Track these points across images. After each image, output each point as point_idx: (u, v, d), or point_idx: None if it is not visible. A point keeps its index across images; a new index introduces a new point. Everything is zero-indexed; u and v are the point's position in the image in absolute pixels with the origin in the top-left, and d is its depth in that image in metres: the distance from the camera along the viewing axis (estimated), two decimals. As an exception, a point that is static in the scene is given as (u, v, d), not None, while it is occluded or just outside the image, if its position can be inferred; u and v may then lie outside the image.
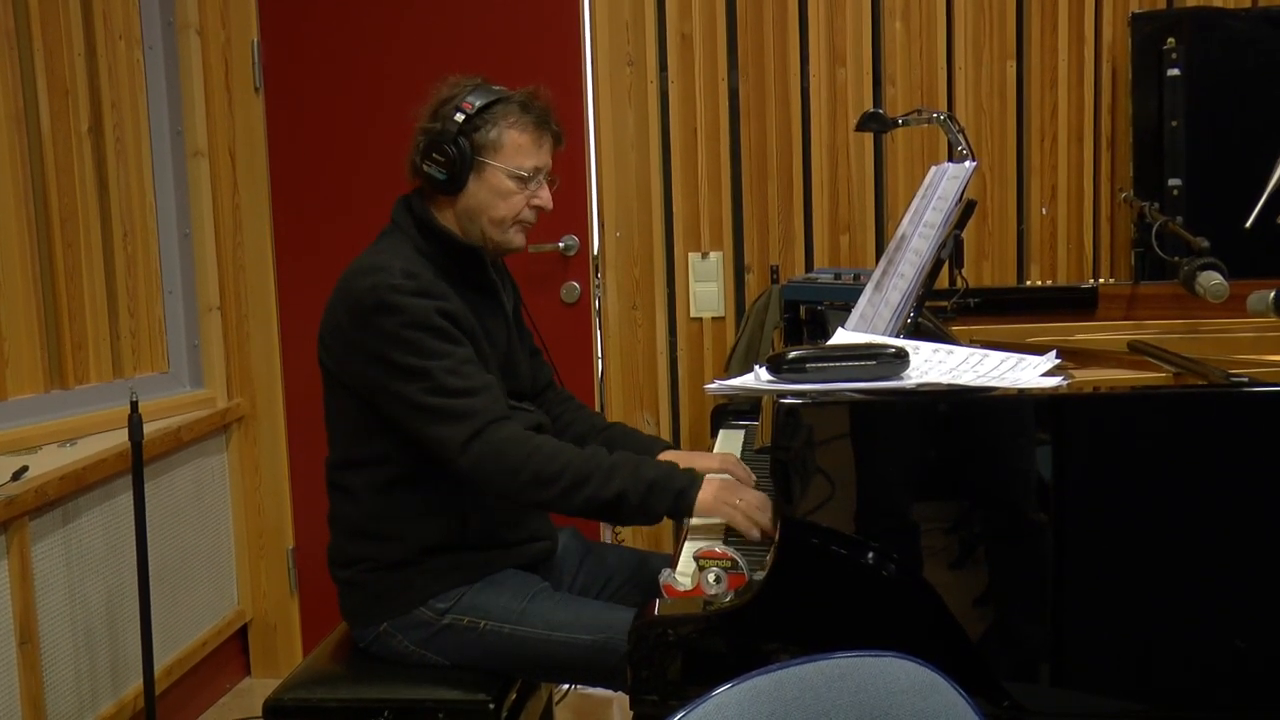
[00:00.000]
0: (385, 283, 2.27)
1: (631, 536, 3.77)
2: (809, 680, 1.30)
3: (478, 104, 2.35)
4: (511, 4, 3.68)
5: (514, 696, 2.43)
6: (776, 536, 1.81)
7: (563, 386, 2.79)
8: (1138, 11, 3.37)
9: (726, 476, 2.32)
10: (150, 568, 2.99)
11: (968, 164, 2.22)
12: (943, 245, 2.16)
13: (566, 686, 3.57)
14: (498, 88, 2.41)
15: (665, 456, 2.50)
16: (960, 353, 1.94)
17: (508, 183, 2.37)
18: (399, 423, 2.30)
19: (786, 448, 1.77)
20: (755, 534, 2.13)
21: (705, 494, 2.19)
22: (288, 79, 3.78)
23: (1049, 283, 3.51)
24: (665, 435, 3.70)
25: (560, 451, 2.25)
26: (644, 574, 2.59)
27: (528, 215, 2.42)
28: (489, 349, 2.41)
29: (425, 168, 2.36)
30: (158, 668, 3.16)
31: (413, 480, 2.35)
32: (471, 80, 2.41)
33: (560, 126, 2.44)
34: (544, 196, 2.43)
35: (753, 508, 2.15)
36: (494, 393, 2.29)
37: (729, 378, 1.98)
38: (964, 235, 2.29)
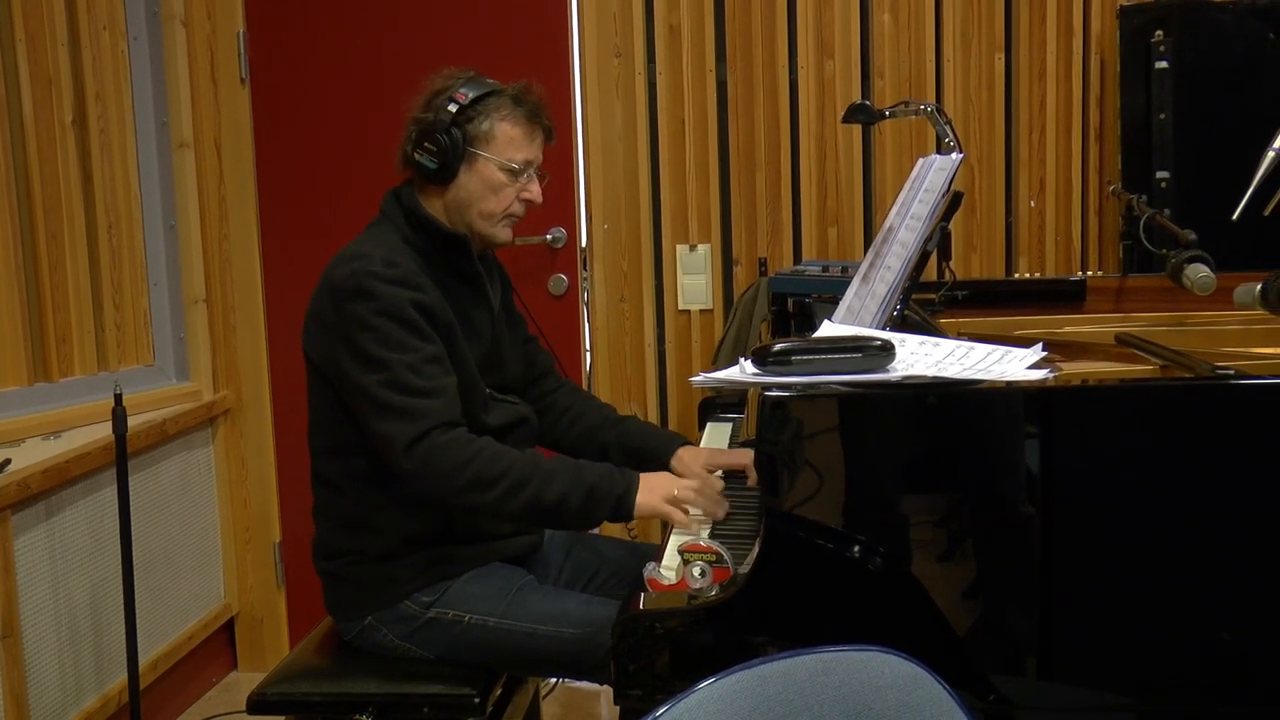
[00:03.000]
0: (364, 269, 2.26)
1: (617, 529, 3.76)
2: (792, 674, 1.29)
3: (471, 95, 2.36)
4: (499, -5, 3.68)
5: (500, 691, 2.42)
6: (761, 529, 1.81)
7: (567, 378, 2.77)
8: (1126, 4, 3.36)
9: (665, 474, 2.36)
10: (135, 561, 2.98)
11: (954, 156, 2.21)
12: (929, 238, 2.15)
13: (554, 680, 3.57)
14: (490, 81, 2.42)
15: (683, 451, 2.50)
16: (946, 345, 1.94)
17: (499, 175, 2.37)
18: (356, 412, 2.29)
19: (771, 440, 1.77)
20: (694, 526, 2.18)
21: (642, 497, 2.21)
22: (274, 71, 3.76)
23: (1037, 275, 3.51)
24: (653, 428, 3.69)
25: (502, 455, 2.23)
26: (630, 567, 2.58)
27: (517, 209, 2.43)
28: (470, 341, 2.40)
29: (417, 156, 2.36)
30: (143, 662, 3.15)
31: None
32: (464, 73, 2.42)
33: (551, 122, 2.45)
34: (534, 190, 2.43)
35: (690, 500, 2.20)
36: (449, 397, 2.27)
37: (716, 370, 1.97)
38: (952, 228, 2.29)
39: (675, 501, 2.20)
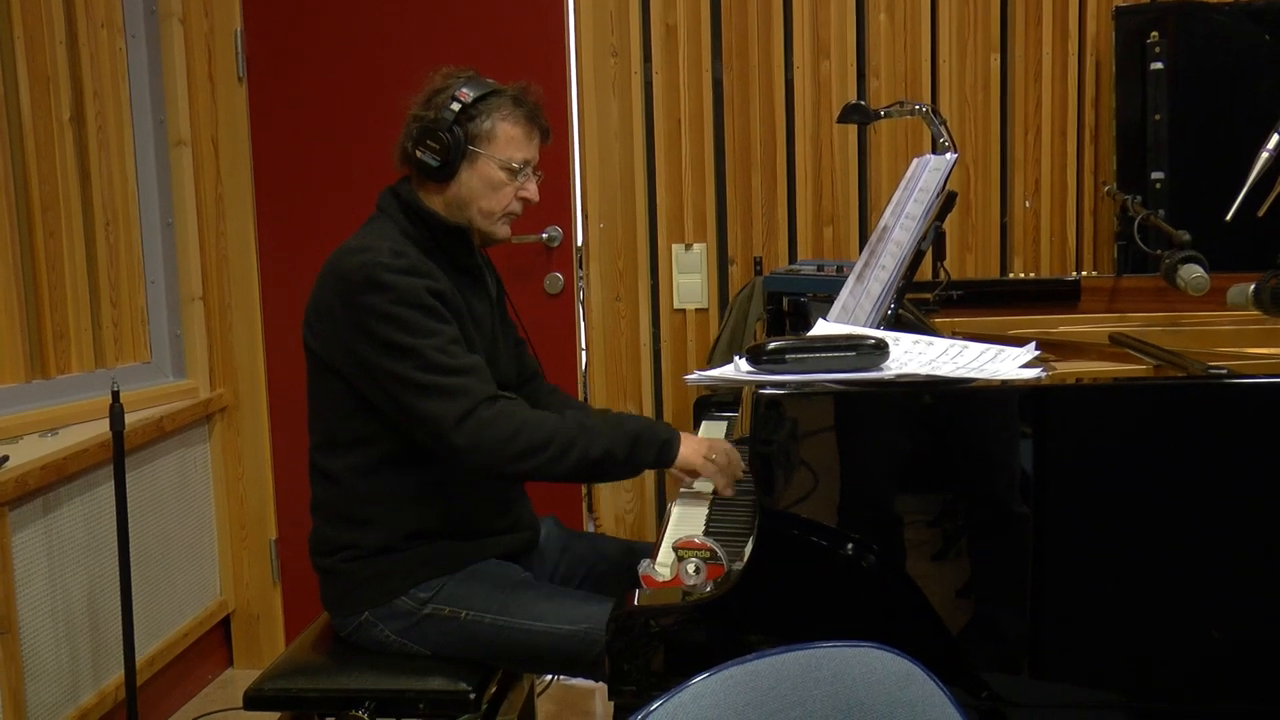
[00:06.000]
0: (374, 260, 2.28)
1: (614, 526, 3.77)
2: (785, 670, 1.30)
3: (472, 95, 2.39)
4: (496, -5, 3.69)
5: (495, 687, 2.43)
6: (755, 526, 1.82)
7: (546, 379, 2.80)
8: (1121, 5, 3.37)
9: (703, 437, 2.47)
10: (132, 558, 2.98)
11: (948, 156, 2.22)
12: (923, 237, 2.16)
13: (549, 677, 3.58)
14: (490, 80, 2.45)
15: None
16: (940, 344, 1.95)
17: (499, 173, 2.40)
18: (388, 400, 2.30)
19: (766, 439, 1.77)
20: (732, 491, 2.29)
21: (686, 448, 2.31)
22: (271, 69, 3.77)
23: (1032, 275, 3.52)
24: (648, 427, 3.69)
25: (545, 420, 2.30)
26: (625, 564, 2.59)
27: (515, 207, 2.46)
28: (474, 331, 2.42)
29: (418, 154, 2.38)
30: (139, 658, 3.16)
31: (395, 463, 2.36)
32: (464, 72, 2.45)
33: (549, 123, 2.48)
34: (531, 189, 2.47)
35: (731, 465, 2.31)
36: (483, 372, 2.31)
37: (710, 369, 1.98)
38: (948, 228, 2.30)
39: (717, 465, 2.30)
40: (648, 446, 2.29)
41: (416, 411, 2.27)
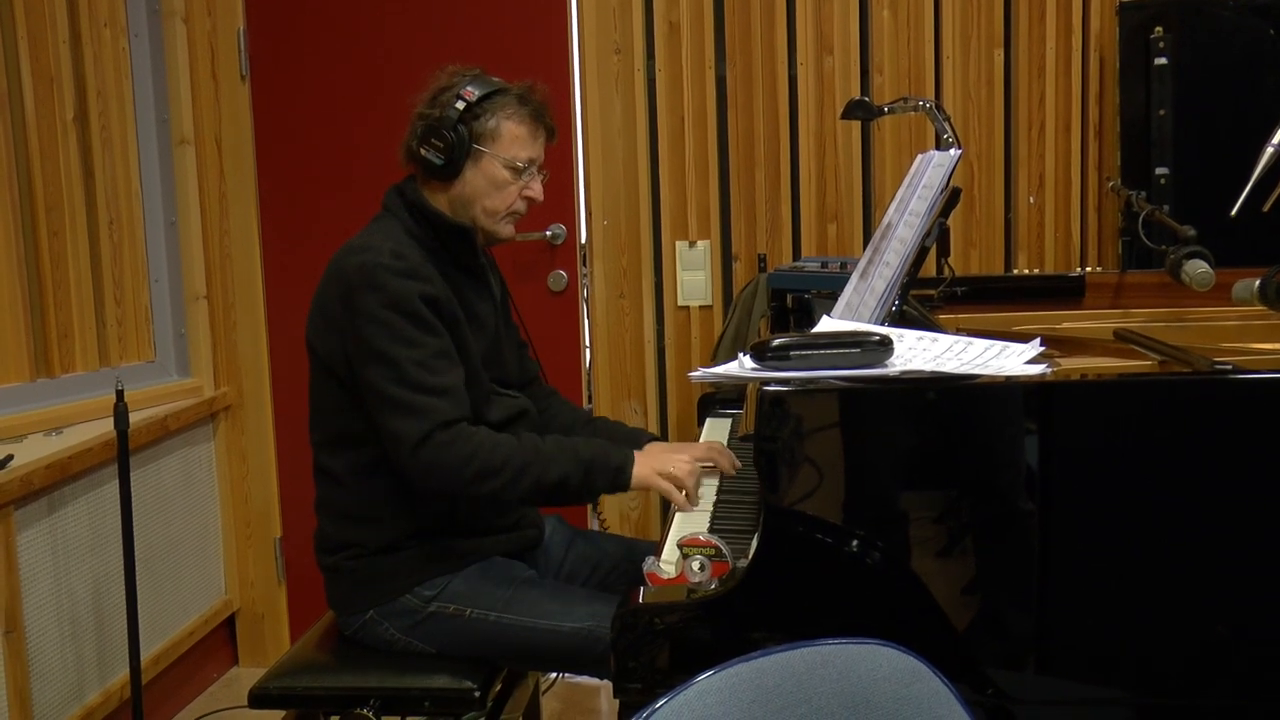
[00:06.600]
0: (374, 261, 2.28)
1: (618, 524, 3.77)
2: (791, 667, 1.30)
3: (477, 94, 2.39)
4: (499, -9, 3.69)
5: (500, 685, 2.43)
6: (759, 524, 1.81)
7: (546, 382, 2.80)
8: (1125, 1, 3.36)
9: (659, 444, 2.49)
10: (137, 557, 2.99)
11: (953, 152, 2.22)
12: (927, 234, 2.16)
13: (554, 675, 3.58)
14: (496, 79, 2.44)
15: (650, 446, 2.52)
16: (944, 340, 1.95)
17: (503, 172, 2.40)
18: (365, 404, 2.31)
19: (770, 436, 1.77)
20: (687, 505, 2.26)
21: (639, 469, 2.31)
22: (274, 67, 3.77)
23: (1036, 271, 3.51)
24: (652, 424, 3.70)
25: (501, 444, 2.28)
26: (630, 562, 2.60)
27: (519, 206, 2.46)
28: (475, 332, 2.42)
29: (423, 152, 2.38)
30: (144, 657, 3.16)
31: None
32: (470, 70, 2.45)
33: (553, 122, 2.48)
34: (536, 188, 2.47)
35: (682, 477, 2.28)
36: (456, 395, 2.30)
37: (714, 366, 1.98)
38: (952, 224, 2.29)
39: (670, 477, 2.28)
40: (601, 472, 2.30)
41: (382, 425, 2.28)
